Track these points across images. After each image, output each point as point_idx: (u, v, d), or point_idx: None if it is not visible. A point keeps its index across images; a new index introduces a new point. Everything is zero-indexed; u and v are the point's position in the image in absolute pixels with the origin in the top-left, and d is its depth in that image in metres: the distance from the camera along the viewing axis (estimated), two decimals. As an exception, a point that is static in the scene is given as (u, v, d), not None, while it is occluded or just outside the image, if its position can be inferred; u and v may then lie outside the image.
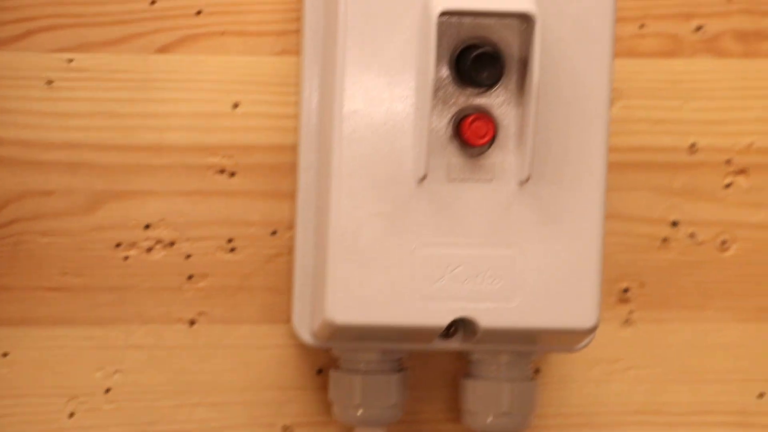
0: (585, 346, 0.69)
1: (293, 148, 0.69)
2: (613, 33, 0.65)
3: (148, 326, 0.70)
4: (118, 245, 0.69)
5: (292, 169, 0.69)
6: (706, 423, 0.73)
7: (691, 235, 0.73)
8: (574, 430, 0.73)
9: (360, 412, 0.69)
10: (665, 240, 0.72)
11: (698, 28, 0.71)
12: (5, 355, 0.69)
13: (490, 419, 0.69)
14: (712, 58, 0.71)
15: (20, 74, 0.67)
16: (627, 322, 0.73)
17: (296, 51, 0.69)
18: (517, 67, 0.65)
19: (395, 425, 0.70)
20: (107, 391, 0.69)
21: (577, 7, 0.64)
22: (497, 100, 0.65)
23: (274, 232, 0.70)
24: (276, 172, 0.70)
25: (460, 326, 0.66)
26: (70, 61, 0.68)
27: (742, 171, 0.72)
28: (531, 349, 0.69)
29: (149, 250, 0.69)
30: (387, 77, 0.64)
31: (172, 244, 0.69)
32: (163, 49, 0.68)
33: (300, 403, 0.71)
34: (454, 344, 0.67)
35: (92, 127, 0.68)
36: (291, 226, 0.70)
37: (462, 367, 0.71)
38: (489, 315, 0.65)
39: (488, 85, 0.64)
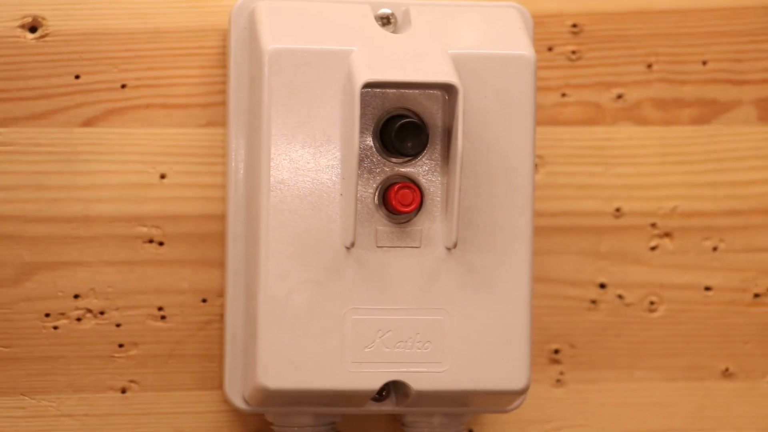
0: (517, 406, 0.69)
1: (221, 218, 0.69)
2: (535, 102, 0.65)
3: (80, 395, 0.69)
4: (47, 315, 0.68)
5: (220, 237, 0.69)
6: None
7: (619, 297, 0.73)
8: (508, 491, 0.73)
9: None
10: (594, 302, 0.72)
11: (619, 97, 0.72)
12: None
13: None
14: (633, 125, 0.72)
15: None
16: (559, 382, 0.72)
17: (222, 123, 0.69)
18: (441, 136, 0.65)
19: (329, 491, 0.70)
20: None
21: (499, 78, 0.65)
22: (423, 169, 0.65)
23: (204, 300, 0.70)
24: (205, 241, 0.69)
25: (392, 389, 0.66)
26: None
27: (667, 234, 0.73)
28: (464, 410, 0.69)
29: (79, 319, 0.69)
30: (313, 147, 0.64)
31: (102, 313, 0.69)
32: (89, 123, 0.68)
33: None
34: (387, 407, 0.67)
35: (19, 200, 0.68)
36: (221, 293, 0.69)
37: (396, 429, 0.70)
38: (420, 378, 0.64)
39: (413, 154, 0.65)
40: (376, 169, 0.65)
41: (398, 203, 0.64)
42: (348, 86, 0.63)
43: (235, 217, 0.68)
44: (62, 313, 0.69)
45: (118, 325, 0.69)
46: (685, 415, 0.73)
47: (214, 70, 0.69)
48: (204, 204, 0.69)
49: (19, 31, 0.67)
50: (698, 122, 0.72)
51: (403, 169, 0.65)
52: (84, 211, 0.68)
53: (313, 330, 0.64)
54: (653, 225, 0.72)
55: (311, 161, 0.64)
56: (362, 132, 0.64)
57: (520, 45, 0.65)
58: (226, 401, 0.69)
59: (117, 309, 0.69)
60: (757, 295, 0.73)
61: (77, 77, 0.68)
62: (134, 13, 0.68)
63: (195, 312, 0.70)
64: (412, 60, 0.64)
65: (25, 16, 0.67)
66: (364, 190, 0.64)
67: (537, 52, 0.66)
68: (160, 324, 0.69)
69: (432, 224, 0.65)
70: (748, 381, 0.73)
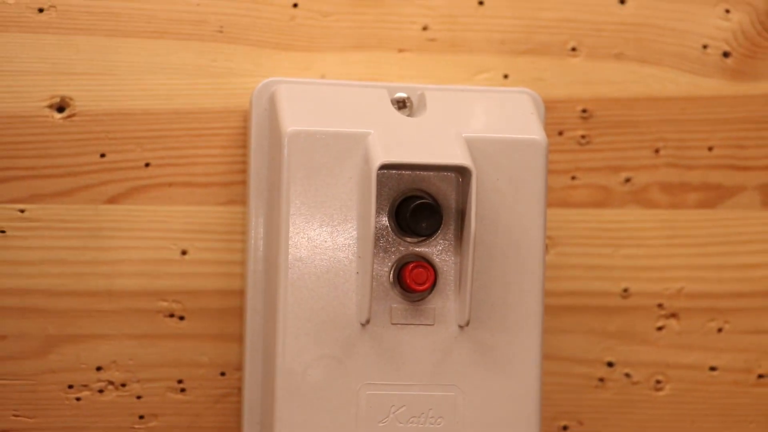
0: None
1: (240, 293, 0.69)
2: (546, 185, 0.65)
3: (102, 465, 0.69)
4: (70, 387, 0.68)
5: (239, 313, 0.69)
6: None
7: (627, 375, 0.72)
8: None
9: None
10: (602, 380, 0.72)
11: (627, 180, 0.72)
12: None
13: None
14: (641, 208, 0.72)
15: None
16: (567, 457, 0.72)
17: (242, 201, 0.69)
18: (455, 217, 0.65)
19: None
20: None
21: (511, 161, 0.64)
22: (437, 249, 0.65)
23: (222, 374, 0.69)
24: (224, 315, 0.69)
25: (405, 463, 0.66)
26: (23, 211, 0.67)
27: (673, 315, 0.72)
28: None
29: (101, 391, 0.68)
30: (330, 226, 0.63)
31: (123, 385, 0.68)
32: (113, 200, 0.68)
33: None
34: None
35: (44, 274, 0.68)
36: (239, 367, 0.69)
37: None
38: None
39: (427, 234, 0.64)
40: (391, 248, 0.64)
41: (413, 282, 0.64)
42: (365, 167, 0.63)
43: (254, 293, 0.67)
44: (85, 385, 0.68)
45: (138, 397, 0.68)
46: None
47: (234, 150, 0.69)
48: (224, 280, 0.69)
49: (47, 111, 0.67)
50: (704, 206, 0.72)
51: (417, 249, 0.64)
52: (107, 286, 0.68)
53: (329, 404, 0.63)
54: (660, 305, 0.72)
55: (328, 240, 0.63)
56: (378, 212, 0.64)
57: (531, 129, 0.65)
58: None
59: (138, 381, 0.68)
60: (761, 376, 0.73)
61: (103, 156, 0.68)
62: (158, 95, 0.68)
63: (214, 385, 0.69)
64: (427, 143, 0.64)
65: (53, 96, 0.67)
66: (379, 268, 0.64)
67: (548, 136, 0.66)
68: (179, 396, 0.69)
69: (445, 302, 0.64)
70: None
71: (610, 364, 0.72)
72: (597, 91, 0.71)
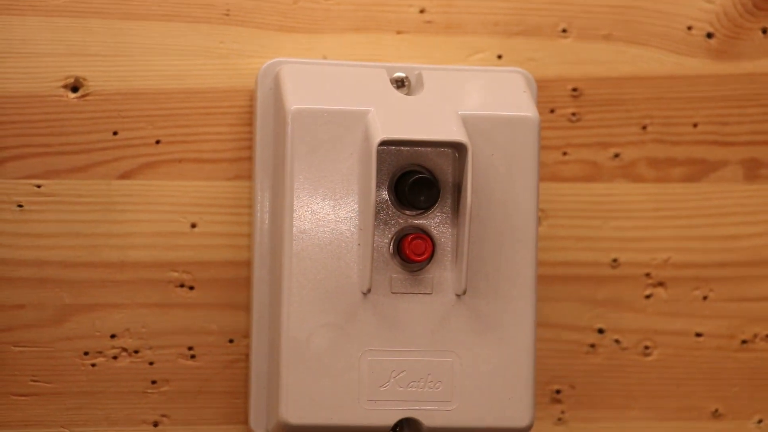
0: None
1: (247, 264, 0.69)
2: (538, 160, 0.65)
3: (115, 428, 0.68)
4: (85, 353, 0.68)
5: (246, 283, 0.69)
6: None
7: (616, 342, 0.72)
8: None
9: None
10: (592, 346, 0.72)
11: (615, 156, 0.72)
12: None
13: None
14: (629, 182, 0.71)
15: None
16: (560, 420, 0.71)
17: (248, 176, 0.69)
18: (451, 191, 0.64)
19: None
20: None
21: (505, 137, 0.64)
22: (434, 221, 0.65)
23: (231, 341, 0.69)
24: (232, 285, 0.69)
25: (405, 426, 0.65)
26: (39, 186, 0.67)
27: (660, 283, 0.72)
28: None
29: (115, 357, 0.68)
30: (332, 200, 0.63)
31: (136, 351, 0.68)
32: (125, 175, 0.68)
33: None
34: None
35: (59, 246, 0.67)
36: (247, 334, 0.69)
37: None
38: (432, 415, 0.64)
39: (425, 207, 0.64)
40: (391, 220, 0.64)
41: (411, 253, 0.64)
42: (365, 144, 0.63)
43: (260, 264, 0.67)
44: (99, 352, 0.68)
45: (151, 363, 0.68)
46: None
47: (241, 128, 0.68)
48: (231, 251, 0.69)
49: (61, 91, 0.67)
50: (689, 180, 0.72)
51: (416, 221, 0.64)
52: (120, 257, 0.68)
53: (332, 370, 0.63)
54: (647, 275, 0.72)
55: (331, 213, 0.63)
56: (378, 186, 0.64)
57: (524, 107, 0.65)
58: None
59: (150, 348, 0.68)
60: (744, 342, 0.72)
61: (115, 133, 0.68)
62: (168, 75, 0.68)
63: (222, 352, 0.69)
64: (424, 120, 0.64)
65: (67, 77, 0.67)
66: (379, 240, 0.64)
67: (540, 113, 0.66)
68: (190, 362, 0.68)
69: (443, 272, 0.64)
70: (736, 422, 0.72)
71: (600, 331, 0.71)
72: (586, 70, 0.71)
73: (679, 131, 0.72)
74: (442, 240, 0.64)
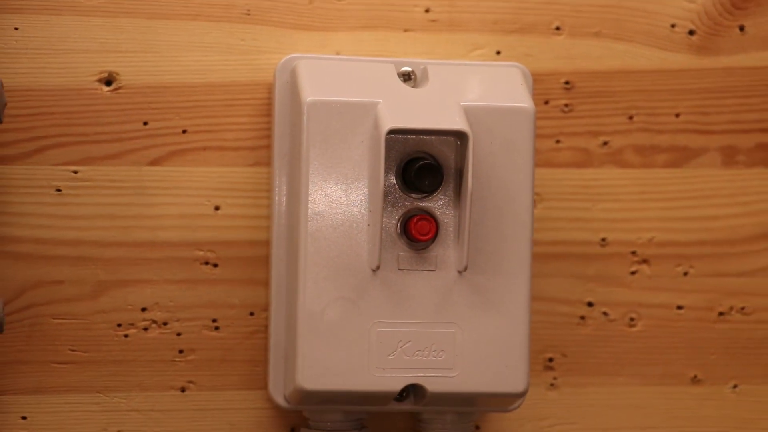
0: (517, 407, 0.69)
1: (266, 243, 0.68)
2: (534, 147, 0.64)
3: (146, 393, 0.68)
4: (119, 325, 0.68)
5: (265, 260, 0.68)
6: None
7: (604, 314, 0.72)
8: (509, 479, 0.72)
9: None
10: (582, 318, 0.71)
11: (604, 144, 0.71)
12: (24, 418, 0.67)
13: None
14: (616, 168, 0.71)
15: (34, 184, 0.67)
16: (552, 386, 0.71)
17: (267, 163, 0.68)
18: (454, 176, 0.64)
19: (358, 476, 0.69)
20: None
21: (503, 126, 0.64)
22: (438, 203, 0.64)
23: (251, 313, 0.69)
24: (252, 263, 0.69)
25: (411, 391, 0.65)
26: (76, 172, 0.67)
27: (645, 261, 0.72)
28: (471, 410, 0.68)
29: (146, 329, 0.68)
30: (344, 184, 0.63)
31: (165, 323, 0.68)
32: (155, 162, 0.68)
33: None
34: (406, 406, 0.66)
35: (95, 227, 0.67)
36: (266, 308, 0.68)
37: (413, 426, 0.69)
38: (435, 382, 0.64)
39: (430, 191, 0.64)
40: (398, 203, 0.64)
41: (417, 233, 0.64)
42: (374, 133, 0.63)
43: (278, 243, 0.67)
44: (131, 324, 0.68)
45: (178, 334, 0.68)
46: (659, 416, 0.72)
47: (260, 118, 0.68)
48: (252, 232, 0.69)
49: (96, 84, 0.67)
50: (672, 166, 0.72)
51: (421, 204, 0.64)
52: (150, 237, 0.68)
53: (344, 340, 0.63)
54: (633, 253, 0.72)
55: (343, 196, 0.63)
56: (386, 172, 0.63)
57: (521, 99, 0.65)
58: (269, 400, 0.68)
59: (178, 320, 0.68)
60: (721, 314, 0.72)
61: (145, 123, 0.67)
62: (194, 70, 0.68)
63: (244, 324, 0.69)
64: (429, 111, 0.64)
65: (101, 72, 0.67)
66: (387, 221, 0.64)
67: (535, 104, 0.65)
68: (214, 333, 0.68)
69: (446, 251, 0.64)
70: (714, 387, 0.72)
71: (589, 304, 0.71)
72: (578, 65, 0.70)
73: (663, 121, 0.71)
74: (445, 221, 0.64)
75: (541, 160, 0.70)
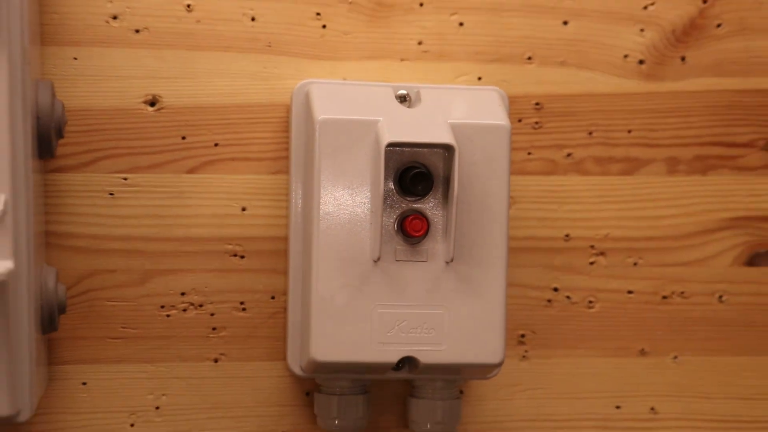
0: (495, 375, 0.67)
1: (285, 239, 0.67)
2: (510, 158, 0.63)
3: (185, 363, 0.66)
4: (162, 307, 0.66)
5: (284, 253, 0.67)
6: (579, 427, 0.70)
7: (567, 297, 0.70)
8: (487, 434, 0.71)
9: (336, 422, 0.66)
10: (549, 301, 0.69)
11: (568, 155, 0.69)
12: (84, 383, 0.66)
13: (428, 426, 0.66)
14: (579, 175, 0.69)
15: (90, 189, 0.65)
16: (524, 357, 0.69)
17: (286, 171, 0.67)
18: (442, 182, 0.62)
19: None
20: (157, 408, 0.66)
21: (484, 140, 0.62)
22: (429, 205, 0.62)
23: (273, 297, 0.67)
24: (273, 255, 0.67)
25: (406, 362, 0.63)
26: (126, 179, 0.66)
27: (602, 253, 0.70)
28: (457, 377, 0.66)
29: (185, 310, 0.66)
30: (350, 189, 0.61)
31: (200, 305, 0.66)
32: (191, 171, 0.66)
33: (294, 416, 0.68)
34: (402, 375, 0.64)
35: (142, 225, 0.66)
36: (285, 292, 0.67)
37: (408, 390, 0.67)
38: (426, 354, 0.62)
39: (422, 195, 0.62)
40: (395, 205, 0.62)
41: (411, 230, 0.62)
42: (376, 146, 0.61)
43: (295, 238, 0.65)
44: (172, 306, 0.66)
45: (212, 314, 0.66)
46: (612, 382, 0.70)
47: (280, 134, 0.66)
48: (273, 229, 0.67)
49: (142, 105, 0.65)
50: (625, 174, 0.70)
51: (415, 205, 0.62)
52: (187, 234, 0.66)
53: (350, 319, 0.61)
54: (592, 246, 0.70)
55: (349, 199, 0.61)
56: (386, 178, 0.62)
57: (499, 117, 0.63)
58: (288, 369, 0.66)
59: (211, 303, 0.66)
60: (664, 297, 0.70)
61: (183, 138, 0.66)
62: (224, 93, 0.66)
63: (266, 306, 0.67)
64: (421, 127, 0.62)
65: (146, 95, 0.65)
66: (386, 220, 0.62)
67: (511, 122, 0.64)
68: (241, 314, 0.66)
69: (435, 245, 0.62)
70: (658, 358, 0.70)
71: (555, 290, 0.69)
72: (546, 89, 0.68)
73: (617, 136, 0.69)
74: (435, 220, 0.62)
75: (515, 169, 0.68)
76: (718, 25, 0.70)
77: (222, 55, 0.66)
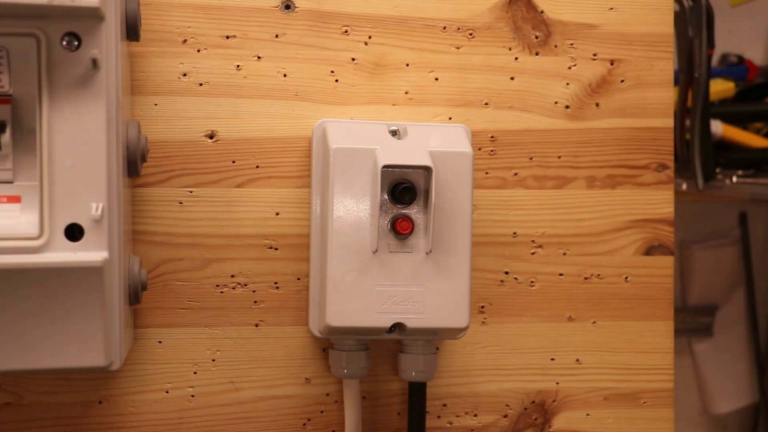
0: (462, 336, 0.68)
1: (307, 236, 0.68)
2: (473, 176, 0.64)
3: (234, 327, 0.67)
4: (217, 286, 0.67)
5: (307, 246, 0.68)
6: (525, 374, 0.70)
7: (515, 279, 0.71)
8: (456, 380, 0.70)
9: (345, 371, 0.66)
10: (502, 281, 0.70)
11: (515, 174, 0.70)
12: (160, 342, 0.66)
13: (413, 374, 0.67)
14: (523, 189, 0.70)
15: (165, 199, 0.66)
16: (483, 323, 0.70)
17: (308, 186, 0.68)
18: (423, 194, 0.63)
19: (364, 378, 0.68)
20: (213, 360, 0.67)
21: (454, 163, 0.63)
22: (413, 211, 0.63)
23: (298, 279, 0.68)
24: (299, 248, 0.68)
25: (397, 327, 0.64)
26: (191, 192, 0.66)
27: (540, 246, 0.71)
28: (434, 338, 0.67)
29: (234, 288, 0.67)
30: (356, 199, 0.62)
31: (245, 285, 0.67)
32: (239, 185, 0.67)
33: (314, 367, 0.68)
34: (394, 336, 0.65)
35: (204, 226, 0.67)
36: (307, 275, 0.68)
37: (398, 347, 0.68)
38: (412, 321, 0.63)
39: (408, 203, 0.63)
40: (389, 210, 0.63)
41: (400, 229, 0.63)
42: (374, 167, 0.62)
43: (315, 236, 0.66)
44: (225, 285, 0.67)
45: (254, 291, 0.67)
46: (548, 341, 0.71)
47: (304, 158, 0.67)
48: (298, 228, 0.68)
49: (204, 138, 0.66)
50: (556, 188, 0.71)
51: (403, 211, 0.63)
52: (237, 232, 0.67)
53: (356, 296, 0.62)
54: (533, 241, 0.71)
55: (355, 207, 0.62)
56: (381, 191, 0.63)
57: (464, 146, 0.64)
58: (309, 332, 0.67)
59: (253, 283, 0.67)
60: (586, 278, 0.71)
61: (233, 162, 0.67)
62: (263, 129, 0.67)
63: (294, 285, 0.68)
64: (408, 154, 0.63)
65: (207, 131, 0.66)
66: (382, 221, 0.63)
67: (473, 150, 0.65)
68: (275, 291, 0.67)
69: (418, 240, 0.63)
70: (581, 323, 0.71)
71: (506, 273, 0.70)
72: (499, 126, 0.70)
73: (550, 160, 0.70)
74: (418, 222, 0.63)
75: (476, 184, 0.69)
76: (622, 81, 0.71)
77: (262, 102, 0.67)
